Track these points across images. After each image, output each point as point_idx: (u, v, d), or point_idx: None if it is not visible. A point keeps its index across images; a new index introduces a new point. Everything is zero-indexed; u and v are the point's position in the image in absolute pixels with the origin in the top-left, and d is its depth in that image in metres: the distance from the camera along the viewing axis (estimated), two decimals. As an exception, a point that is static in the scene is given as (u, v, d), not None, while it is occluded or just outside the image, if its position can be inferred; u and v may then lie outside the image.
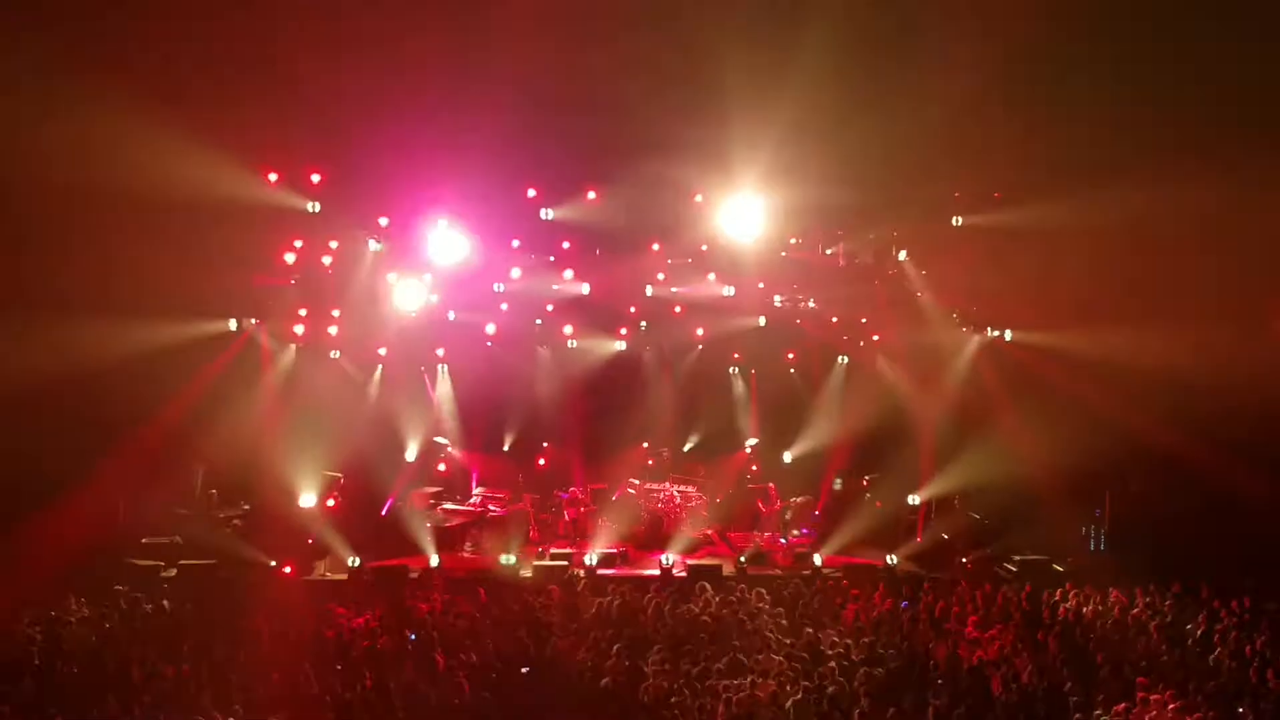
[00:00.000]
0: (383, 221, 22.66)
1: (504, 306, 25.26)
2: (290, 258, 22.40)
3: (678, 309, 25.74)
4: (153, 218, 19.51)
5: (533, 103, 20.23)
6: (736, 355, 27.75)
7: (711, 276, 24.48)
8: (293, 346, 23.41)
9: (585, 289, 24.42)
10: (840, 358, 27.06)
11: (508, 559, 21.55)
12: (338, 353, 24.20)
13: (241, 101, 19.44)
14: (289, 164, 21.69)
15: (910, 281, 24.24)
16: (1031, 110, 20.17)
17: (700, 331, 26.58)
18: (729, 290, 24.64)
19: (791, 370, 27.72)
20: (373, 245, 22.92)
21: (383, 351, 24.98)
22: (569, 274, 24.20)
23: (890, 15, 19.70)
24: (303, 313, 23.11)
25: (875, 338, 26.06)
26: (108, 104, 17.94)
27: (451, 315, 24.73)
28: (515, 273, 23.98)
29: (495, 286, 24.08)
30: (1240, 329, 20.42)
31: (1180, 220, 19.38)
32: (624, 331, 26.29)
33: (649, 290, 24.72)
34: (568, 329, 25.73)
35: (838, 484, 25.43)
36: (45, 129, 18.10)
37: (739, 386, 27.92)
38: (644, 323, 26.75)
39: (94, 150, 18.44)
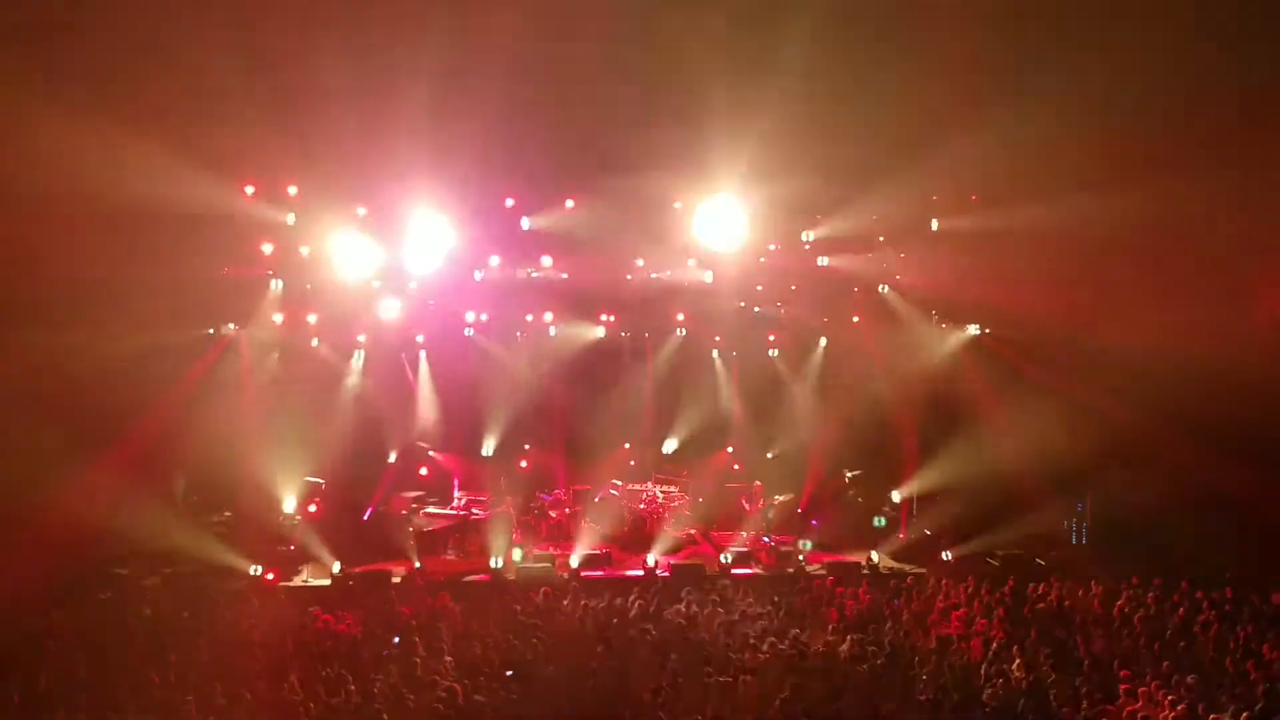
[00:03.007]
0: (361, 211, 22.59)
1: (484, 316, 25.36)
2: (268, 248, 22.37)
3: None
4: (131, 228, 19.46)
5: (511, 112, 20.19)
6: (718, 338, 27.69)
7: (691, 262, 24.43)
8: (275, 355, 23.44)
9: (564, 276, 24.47)
10: (821, 339, 27.01)
11: (503, 559, 21.67)
12: (317, 340, 24.22)
13: (219, 113, 19.39)
14: (266, 175, 21.70)
15: (889, 269, 24.38)
16: (1007, 112, 20.25)
17: (681, 316, 26.51)
18: (708, 275, 24.67)
19: (773, 352, 27.69)
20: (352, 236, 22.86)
21: (362, 339, 24.85)
22: (547, 260, 24.18)
23: (866, 20, 19.74)
24: (279, 317, 23.09)
25: (855, 319, 25.91)
26: (84, 116, 17.83)
27: (431, 302, 24.60)
28: (494, 260, 23.92)
29: (475, 274, 24.04)
30: (1220, 321, 20.52)
31: (1159, 215, 19.49)
32: (604, 318, 26.21)
33: (629, 276, 24.76)
34: (548, 316, 25.67)
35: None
36: (21, 140, 17.97)
37: (720, 371, 27.87)
38: (625, 333, 26.80)
39: (71, 161, 18.31)
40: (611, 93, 20.22)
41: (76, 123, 17.82)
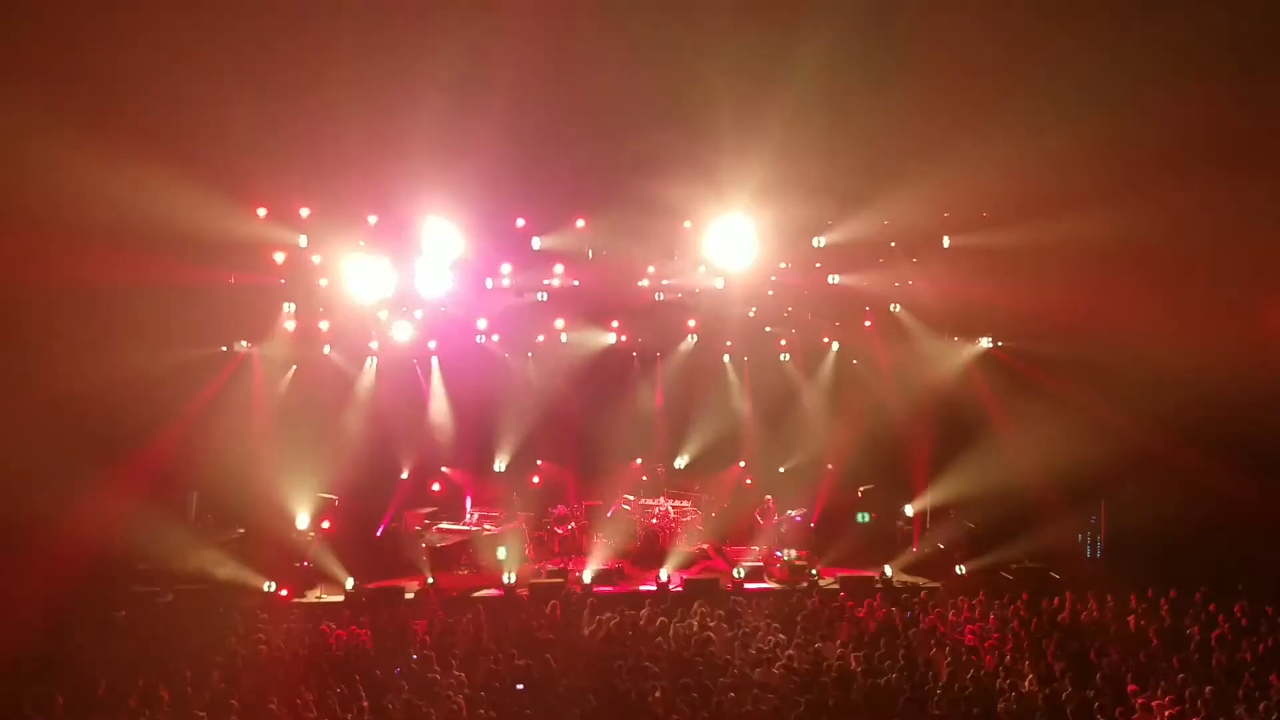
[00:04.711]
0: (372, 220, 22.73)
1: (495, 338, 25.43)
2: (280, 257, 22.57)
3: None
4: (145, 248, 19.61)
5: (521, 133, 20.27)
6: (729, 343, 27.57)
7: (702, 269, 24.45)
8: (292, 369, 23.54)
9: (575, 283, 24.60)
10: (832, 344, 26.94)
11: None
12: (329, 348, 24.28)
13: (232, 136, 19.55)
14: (278, 197, 21.85)
15: (901, 282, 24.41)
16: (1017, 128, 20.27)
17: (692, 323, 26.40)
18: (720, 282, 24.65)
19: (784, 356, 27.61)
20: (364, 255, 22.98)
21: (375, 345, 24.86)
22: (559, 268, 24.29)
23: (876, 39, 19.79)
24: (291, 325, 23.21)
25: (867, 324, 25.85)
26: (94, 137, 17.97)
27: (443, 308, 24.57)
28: (505, 268, 24.02)
29: (486, 282, 24.14)
30: (1233, 333, 20.47)
31: (1173, 228, 19.48)
32: (615, 325, 26.18)
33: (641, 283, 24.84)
34: (559, 323, 25.62)
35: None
36: (39, 163, 18.11)
37: (732, 380, 27.77)
38: (637, 342, 26.75)
39: (85, 183, 18.47)
40: (621, 112, 20.29)
41: (88, 145, 17.97)
